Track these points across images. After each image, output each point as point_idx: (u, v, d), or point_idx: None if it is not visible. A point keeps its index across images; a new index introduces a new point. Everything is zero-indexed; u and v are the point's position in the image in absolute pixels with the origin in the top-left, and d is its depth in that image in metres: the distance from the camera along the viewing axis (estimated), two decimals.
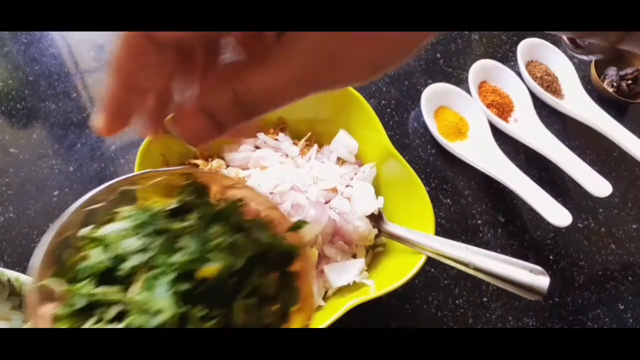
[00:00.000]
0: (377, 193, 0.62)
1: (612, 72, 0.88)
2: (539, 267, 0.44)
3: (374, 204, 0.59)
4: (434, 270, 0.68)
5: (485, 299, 0.67)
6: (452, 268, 0.68)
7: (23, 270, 0.59)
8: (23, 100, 0.71)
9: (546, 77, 0.85)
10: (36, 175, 0.66)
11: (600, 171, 0.75)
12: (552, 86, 0.85)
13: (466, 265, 0.48)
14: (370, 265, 0.59)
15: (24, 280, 0.54)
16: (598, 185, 0.73)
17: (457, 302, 0.66)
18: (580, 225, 0.76)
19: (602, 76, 0.89)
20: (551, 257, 0.72)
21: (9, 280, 0.53)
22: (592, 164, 0.76)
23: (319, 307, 0.56)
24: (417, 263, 0.54)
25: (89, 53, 0.78)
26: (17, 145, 0.68)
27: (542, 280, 0.42)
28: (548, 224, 0.70)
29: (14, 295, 0.53)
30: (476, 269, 0.47)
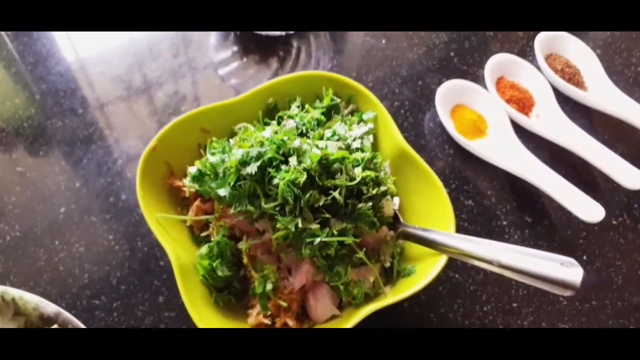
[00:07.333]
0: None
1: None
2: (570, 259, 0.40)
3: (389, 206, 0.55)
4: (459, 276, 0.64)
5: (515, 305, 0.62)
6: (478, 273, 0.64)
7: (30, 289, 0.58)
8: (30, 118, 0.71)
9: (567, 69, 0.81)
10: (43, 192, 0.65)
11: (633, 165, 0.70)
12: (575, 78, 0.81)
13: (490, 262, 0.44)
14: (387, 270, 0.55)
15: (29, 299, 0.52)
16: (632, 177, 0.68)
17: (485, 309, 0.62)
18: (614, 222, 0.70)
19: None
20: (584, 258, 0.67)
21: (13, 299, 0.52)
22: (623, 157, 0.71)
23: (334, 317, 0.52)
24: (436, 265, 0.50)
25: (95, 68, 0.77)
26: (24, 163, 0.67)
27: (574, 273, 0.38)
28: (579, 221, 0.65)
29: (19, 314, 0.52)
30: (501, 265, 0.43)
